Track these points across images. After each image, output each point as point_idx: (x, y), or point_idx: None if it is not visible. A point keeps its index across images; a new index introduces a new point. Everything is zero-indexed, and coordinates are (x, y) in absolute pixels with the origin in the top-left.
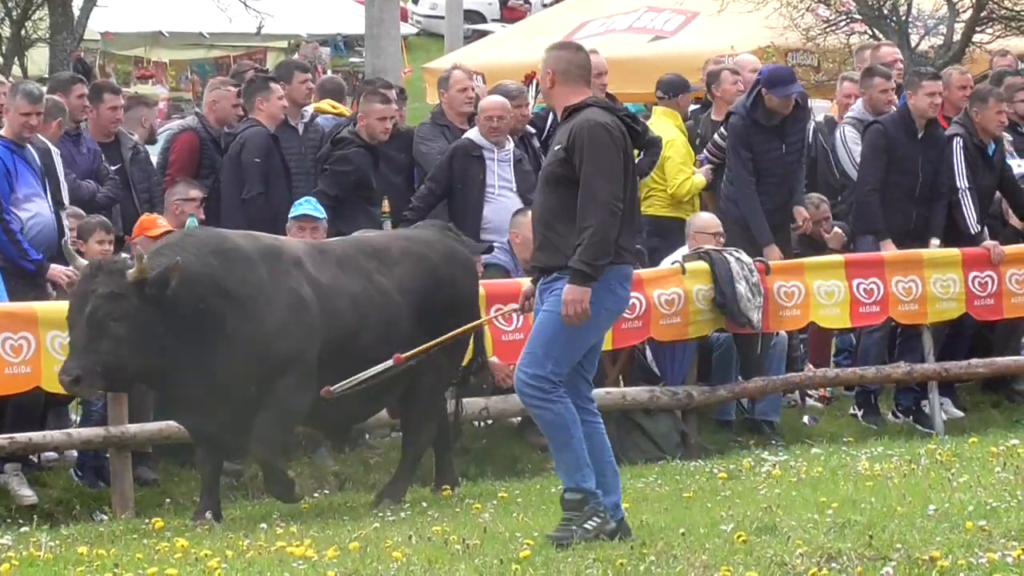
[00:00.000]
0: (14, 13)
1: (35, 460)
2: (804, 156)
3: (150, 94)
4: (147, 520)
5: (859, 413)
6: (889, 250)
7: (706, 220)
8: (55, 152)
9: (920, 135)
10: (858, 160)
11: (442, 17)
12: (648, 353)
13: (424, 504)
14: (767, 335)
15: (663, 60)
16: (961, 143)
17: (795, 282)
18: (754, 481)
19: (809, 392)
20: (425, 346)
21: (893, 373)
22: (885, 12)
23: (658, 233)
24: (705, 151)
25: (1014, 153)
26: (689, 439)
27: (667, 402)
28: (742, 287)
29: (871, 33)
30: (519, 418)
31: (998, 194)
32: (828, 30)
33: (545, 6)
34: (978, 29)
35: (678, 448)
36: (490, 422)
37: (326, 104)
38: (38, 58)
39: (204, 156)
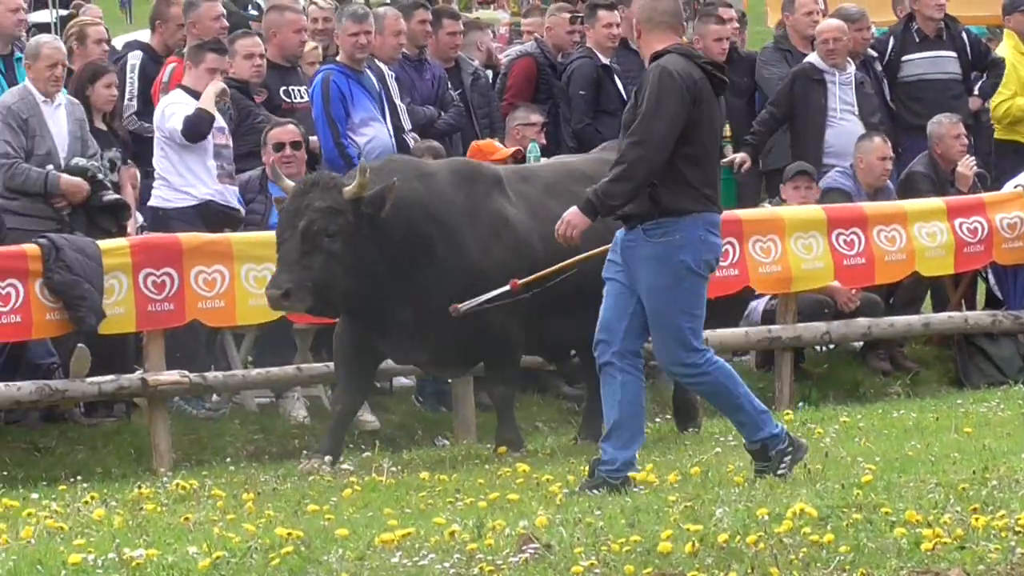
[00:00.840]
0: None
1: (378, 386)
2: None
3: (491, 19)
4: (488, 445)
5: None
6: None
7: None
8: (389, 76)
9: None
10: None
11: None
12: (990, 277)
13: None
14: None
15: None
16: None
17: None
18: None
19: None
20: (544, 272)
21: None
22: None
23: (998, 156)
24: None
25: None
26: None
27: (1009, 326)
28: None
29: None
30: (861, 343)
31: None
32: None
33: None
34: None
35: (1020, 372)
36: (832, 346)
37: None
38: None
39: (541, 81)
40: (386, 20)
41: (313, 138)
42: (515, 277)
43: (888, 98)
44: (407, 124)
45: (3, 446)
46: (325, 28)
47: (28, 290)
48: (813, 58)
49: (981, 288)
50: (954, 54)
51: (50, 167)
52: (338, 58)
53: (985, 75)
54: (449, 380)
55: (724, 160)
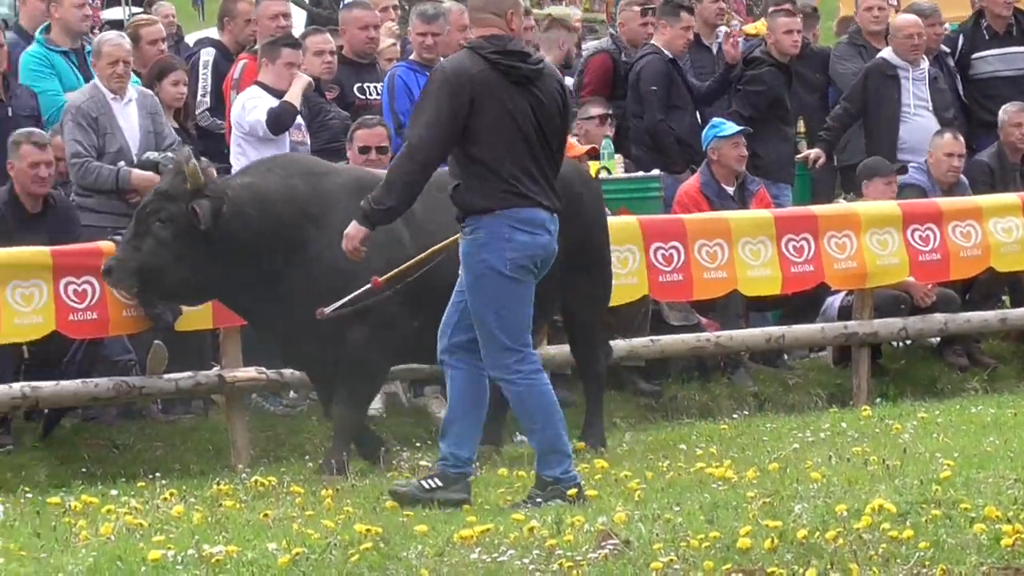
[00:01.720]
0: None
1: None
2: None
3: (564, 15)
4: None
5: None
6: None
7: None
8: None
9: None
10: None
11: None
12: None
13: (844, 425)
14: None
15: None
16: None
17: None
18: None
19: None
20: (404, 266)
21: None
22: None
23: None
24: None
25: None
26: None
27: None
28: None
29: None
30: (938, 338)
31: None
32: None
33: None
34: None
35: None
36: (908, 342)
37: (751, 27)
38: None
39: (617, 77)
40: (450, 16)
41: None
42: (377, 275)
43: (961, 94)
44: None
45: (81, 443)
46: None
47: (104, 287)
48: (887, 53)
49: None
50: None
51: (121, 163)
52: (411, 56)
53: None
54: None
55: (799, 156)
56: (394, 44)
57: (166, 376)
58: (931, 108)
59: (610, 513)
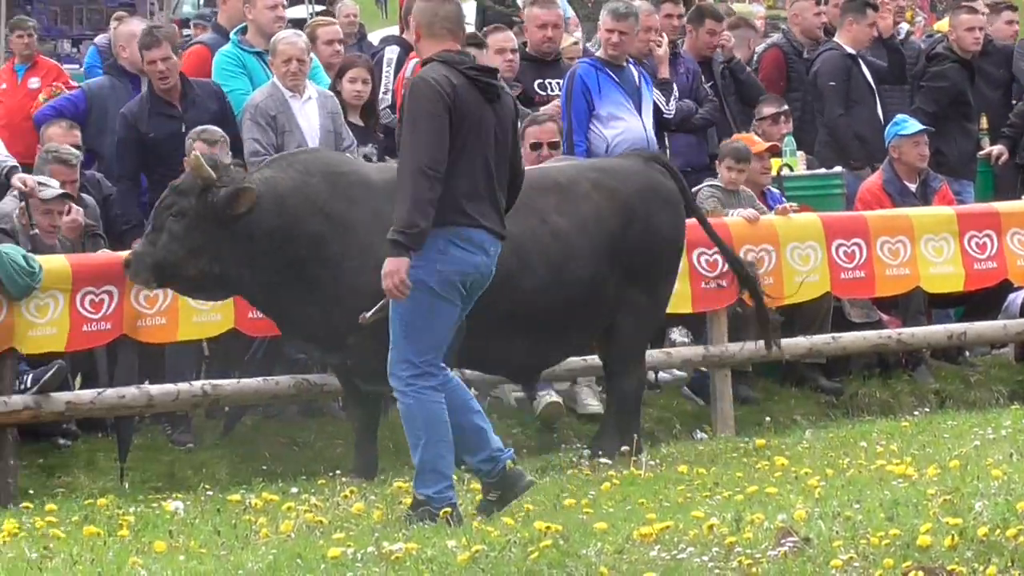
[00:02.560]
0: None
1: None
2: None
3: (747, 12)
4: (747, 438)
5: None
6: None
7: None
8: (635, 72)
9: None
10: None
11: None
12: None
13: None
14: None
15: None
16: None
17: None
18: None
19: None
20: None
21: None
22: None
23: None
24: None
25: None
26: None
27: None
28: None
29: None
30: None
31: None
32: None
33: None
34: None
35: None
36: None
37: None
38: None
39: (791, 70)
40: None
41: None
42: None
43: None
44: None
45: (262, 440)
46: None
47: None
48: None
49: None
50: None
51: None
52: (597, 53)
53: None
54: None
55: (981, 153)
56: (576, 43)
57: None
58: None
59: (790, 510)
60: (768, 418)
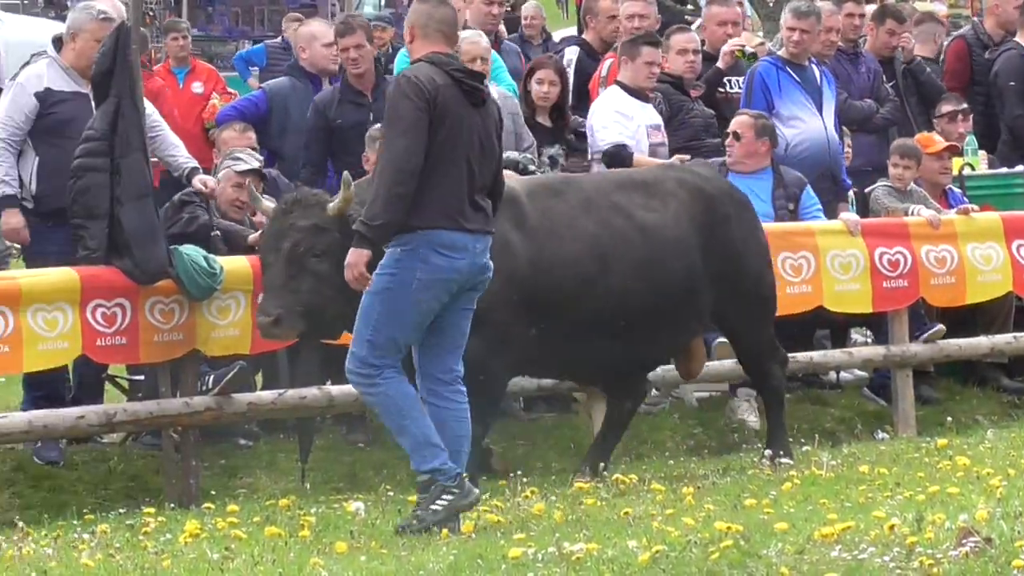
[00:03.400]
0: None
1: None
2: None
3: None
4: (928, 438)
5: None
6: None
7: None
8: (817, 71)
9: None
10: None
11: None
12: None
13: None
14: None
15: None
16: None
17: None
18: None
19: None
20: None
21: None
22: None
23: None
24: None
25: None
26: None
27: None
28: None
29: None
30: None
31: None
32: None
33: None
34: None
35: None
36: None
37: None
38: None
39: (974, 63)
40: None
41: None
42: (502, 307)
43: None
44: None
45: None
46: None
47: None
48: None
49: None
50: None
51: None
52: (779, 51)
53: None
54: None
55: None
56: (763, 43)
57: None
58: None
59: (971, 510)
60: (950, 418)
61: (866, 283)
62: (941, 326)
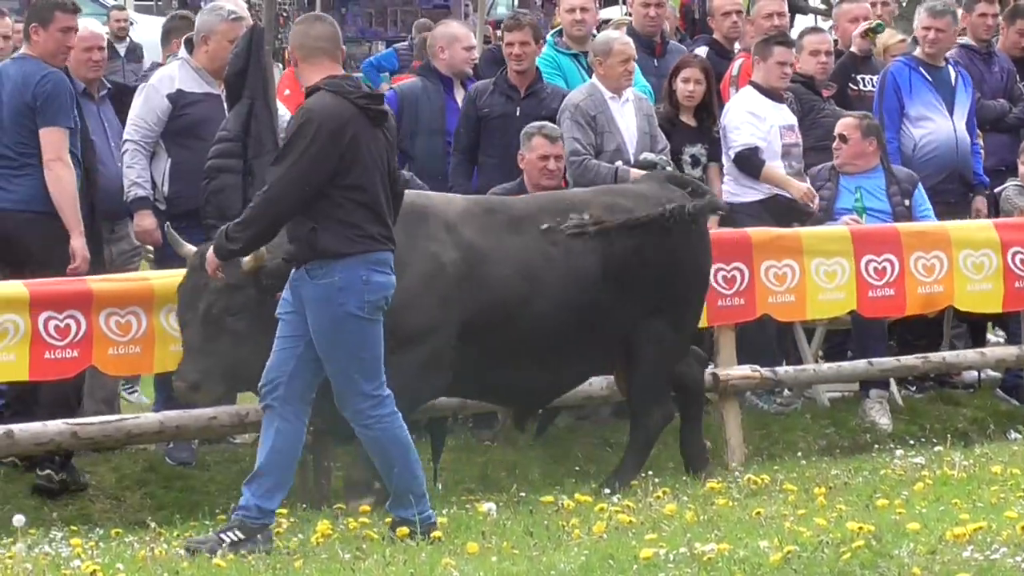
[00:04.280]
0: None
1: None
2: None
3: None
4: None
5: None
6: None
7: None
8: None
9: None
10: None
11: None
12: None
13: None
14: None
15: None
16: None
17: None
18: None
19: None
20: None
21: None
22: None
23: None
24: None
25: None
26: None
27: None
28: None
29: None
30: None
31: None
32: None
33: None
34: None
35: None
36: None
37: None
38: None
39: None
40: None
41: None
42: (439, 328)
43: None
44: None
45: (575, 441)
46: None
47: None
48: None
49: None
50: None
51: (619, 163)
52: (915, 52)
53: None
54: None
55: None
56: (904, 40)
57: None
58: None
59: None
60: None
61: (998, 283)
62: None
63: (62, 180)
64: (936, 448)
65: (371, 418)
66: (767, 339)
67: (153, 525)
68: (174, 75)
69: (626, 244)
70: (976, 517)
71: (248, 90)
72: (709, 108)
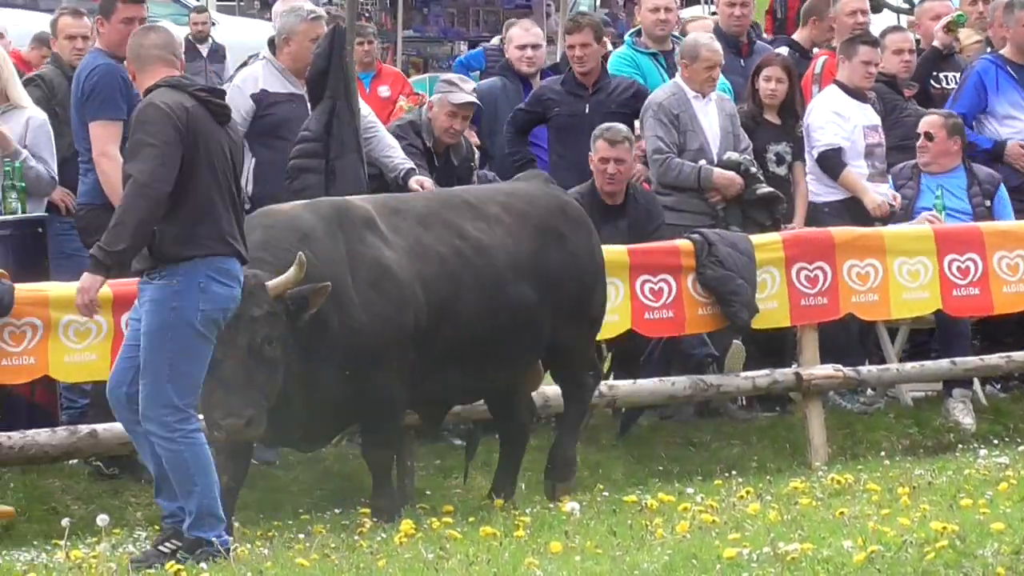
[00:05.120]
0: None
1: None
2: None
3: None
4: None
5: None
6: None
7: None
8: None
9: None
10: None
11: None
12: None
13: None
14: None
15: None
16: None
17: None
18: None
19: None
20: None
21: None
22: None
23: None
24: None
25: None
26: None
27: None
28: None
29: None
30: None
31: None
32: None
33: None
34: None
35: None
36: None
37: None
38: None
39: None
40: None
41: None
42: (401, 332)
43: None
44: None
45: (658, 440)
46: None
47: (680, 285)
48: None
49: None
50: None
51: (702, 161)
52: (1001, 51)
53: None
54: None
55: None
56: (979, 41)
57: (743, 374)
58: None
59: None
60: None
61: None
62: None
63: (106, 175)
64: (1020, 448)
65: (177, 431)
66: (850, 338)
67: (237, 525)
68: (258, 75)
69: (531, 245)
70: None
71: (330, 90)
72: (792, 106)
